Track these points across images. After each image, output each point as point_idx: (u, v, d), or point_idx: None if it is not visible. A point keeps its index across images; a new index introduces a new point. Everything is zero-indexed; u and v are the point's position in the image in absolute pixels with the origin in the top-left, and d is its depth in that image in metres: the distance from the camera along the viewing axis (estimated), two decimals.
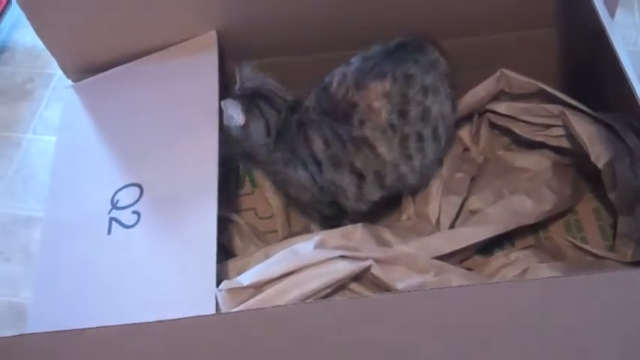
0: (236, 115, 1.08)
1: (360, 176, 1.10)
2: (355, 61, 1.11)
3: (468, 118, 1.26)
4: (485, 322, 0.74)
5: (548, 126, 1.19)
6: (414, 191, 1.20)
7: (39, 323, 0.97)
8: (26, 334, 0.85)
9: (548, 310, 0.74)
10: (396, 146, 1.08)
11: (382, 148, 1.08)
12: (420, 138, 1.09)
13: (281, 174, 1.14)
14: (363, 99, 1.07)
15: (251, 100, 1.11)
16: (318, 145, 1.09)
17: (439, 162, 1.19)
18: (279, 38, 1.23)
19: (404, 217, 1.20)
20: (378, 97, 1.07)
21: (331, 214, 1.16)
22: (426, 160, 1.12)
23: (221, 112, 1.08)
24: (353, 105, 1.07)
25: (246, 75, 1.14)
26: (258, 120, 1.10)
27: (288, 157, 1.11)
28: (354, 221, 1.10)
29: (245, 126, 1.09)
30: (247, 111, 1.09)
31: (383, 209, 1.22)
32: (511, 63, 1.20)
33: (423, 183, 1.18)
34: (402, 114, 1.07)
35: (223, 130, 1.08)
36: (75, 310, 0.97)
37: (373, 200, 1.14)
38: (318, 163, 1.09)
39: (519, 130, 1.22)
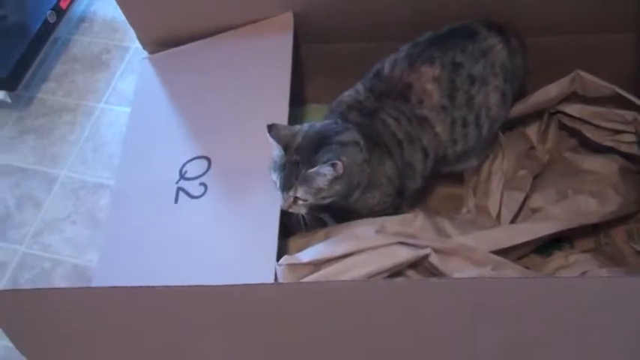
0: (329, 171, 0.98)
1: (425, 153, 1.12)
2: (404, 48, 1.14)
3: (537, 116, 1.25)
4: (544, 317, 0.74)
5: (620, 131, 1.18)
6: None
7: (102, 284, 1.01)
8: (94, 287, 0.88)
9: (608, 308, 0.73)
10: (447, 128, 1.11)
11: (439, 128, 1.11)
12: (465, 123, 1.12)
13: (368, 184, 1.07)
14: (417, 81, 1.10)
15: (328, 146, 1.02)
16: (392, 124, 1.10)
17: (479, 151, 1.20)
18: (352, 23, 1.24)
19: (464, 209, 1.20)
20: (429, 81, 1.10)
21: (390, 211, 1.15)
22: (466, 145, 1.15)
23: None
24: (409, 85, 1.10)
25: (286, 134, 1.02)
26: (352, 151, 1.03)
27: (376, 152, 1.08)
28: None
29: (345, 168, 0.99)
30: (338, 156, 0.99)
31: (442, 200, 1.24)
32: (587, 65, 1.19)
33: (458, 168, 1.21)
34: (451, 98, 1.10)
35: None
36: (138, 273, 1.00)
37: (427, 175, 1.15)
38: (399, 143, 1.10)
39: (589, 133, 1.21)
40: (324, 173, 0.98)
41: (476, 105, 1.12)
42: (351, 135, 1.04)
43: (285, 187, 0.99)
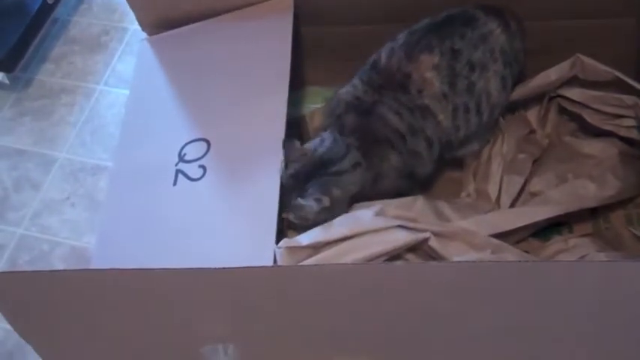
0: (314, 204, 0.99)
1: (429, 142, 1.11)
2: (402, 36, 1.13)
3: (537, 100, 1.25)
4: (540, 300, 0.75)
5: (620, 116, 1.18)
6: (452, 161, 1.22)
7: (101, 266, 1.01)
8: (93, 269, 0.88)
9: (607, 293, 0.73)
10: (449, 115, 1.11)
11: (441, 116, 1.10)
12: (467, 109, 1.12)
13: (375, 180, 1.09)
14: (416, 70, 1.09)
15: (321, 177, 1.02)
16: (393, 119, 1.09)
17: (481, 136, 1.20)
18: (352, 6, 1.24)
19: (464, 193, 1.21)
20: (428, 69, 1.09)
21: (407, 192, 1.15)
22: (468, 131, 1.14)
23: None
24: (407, 75, 1.10)
25: (295, 154, 1.03)
26: (348, 179, 1.04)
27: (375, 150, 1.08)
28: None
29: (334, 200, 1.01)
30: (327, 190, 1.01)
31: (442, 184, 1.23)
32: (588, 50, 1.18)
33: (460, 153, 1.20)
34: (452, 85, 1.10)
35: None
36: (137, 255, 1.00)
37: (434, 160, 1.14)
38: (402, 137, 1.09)
39: (589, 117, 1.21)
40: (310, 205, 0.99)
41: (477, 91, 1.11)
42: (351, 159, 1.05)
43: (282, 207, 1.01)
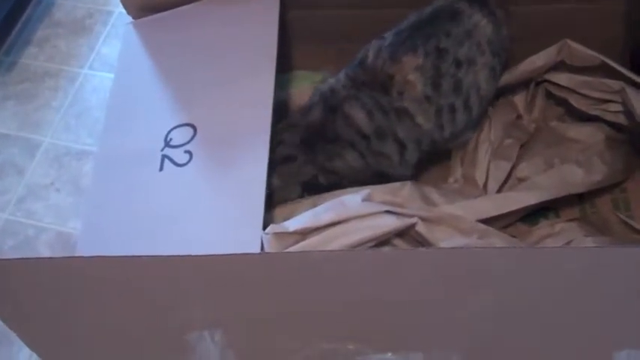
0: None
1: (402, 145, 1.10)
2: (388, 35, 1.12)
3: (524, 85, 1.25)
4: (527, 287, 0.75)
5: (606, 101, 1.18)
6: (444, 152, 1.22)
7: (87, 252, 1.00)
8: (79, 257, 0.87)
9: (594, 279, 0.73)
10: (432, 117, 1.09)
11: (420, 119, 1.09)
12: (452, 109, 1.10)
13: (330, 175, 1.13)
14: (399, 72, 1.08)
15: None
16: (361, 118, 1.08)
17: (473, 127, 1.19)
18: None
19: (451, 179, 1.20)
20: (411, 71, 1.07)
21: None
22: (455, 129, 1.13)
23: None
24: (390, 77, 1.08)
25: None
26: (280, 170, 1.11)
27: (327, 148, 1.10)
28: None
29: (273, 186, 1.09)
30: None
31: (430, 170, 1.23)
32: (576, 35, 1.18)
33: (453, 145, 1.20)
34: (436, 86, 1.08)
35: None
36: (122, 241, 0.99)
37: (413, 163, 1.14)
38: (364, 137, 1.09)
39: (576, 102, 1.21)
40: None
41: (465, 88, 1.10)
42: (280, 152, 1.10)
43: None
